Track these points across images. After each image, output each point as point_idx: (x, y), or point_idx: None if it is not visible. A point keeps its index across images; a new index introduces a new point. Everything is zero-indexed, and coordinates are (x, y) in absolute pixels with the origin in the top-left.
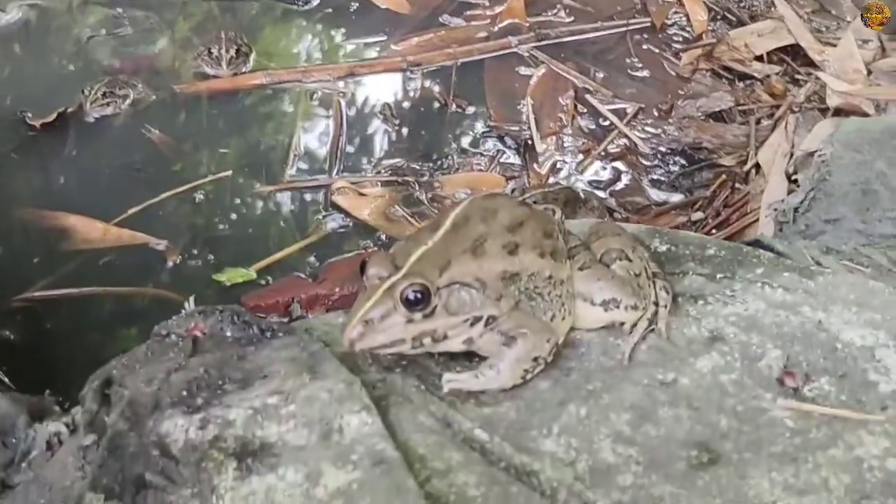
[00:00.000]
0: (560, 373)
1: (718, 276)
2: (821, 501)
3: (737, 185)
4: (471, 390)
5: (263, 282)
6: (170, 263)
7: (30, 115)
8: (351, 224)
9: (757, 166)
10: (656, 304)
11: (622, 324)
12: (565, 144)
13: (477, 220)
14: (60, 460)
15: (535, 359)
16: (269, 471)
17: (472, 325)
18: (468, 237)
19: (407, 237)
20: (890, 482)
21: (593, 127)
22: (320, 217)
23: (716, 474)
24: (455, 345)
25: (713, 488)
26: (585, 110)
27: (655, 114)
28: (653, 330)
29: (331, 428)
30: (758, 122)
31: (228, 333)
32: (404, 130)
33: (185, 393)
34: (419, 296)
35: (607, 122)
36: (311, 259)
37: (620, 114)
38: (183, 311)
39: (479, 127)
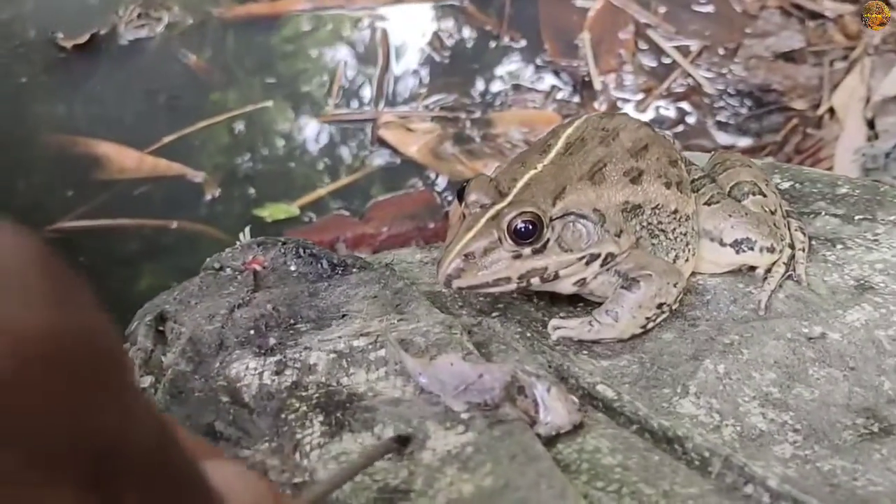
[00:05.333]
0: (685, 322)
1: (857, 217)
2: None
3: (809, 130)
4: (583, 340)
5: (307, 219)
6: (208, 196)
7: (61, 36)
8: (398, 161)
9: (831, 111)
10: (792, 246)
11: (751, 268)
12: (625, 82)
13: (595, 142)
14: None
15: (660, 306)
16: (363, 428)
17: (587, 263)
18: (586, 161)
19: (510, 161)
20: None
21: (654, 65)
22: (366, 152)
23: (894, 447)
24: (566, 286)
25: (894, 464)
26: (647, 47)
27: (721, 52)
28: (790, 276)
29: None
30: (831, 63)
31: (293, 268)
32: (455, 63)
33: (252, 332)
34: (530, 227)
35: (670, 60)
36: (357, 196)
37: (684, 51)
38: (238, 244)
39: (534, 62)
